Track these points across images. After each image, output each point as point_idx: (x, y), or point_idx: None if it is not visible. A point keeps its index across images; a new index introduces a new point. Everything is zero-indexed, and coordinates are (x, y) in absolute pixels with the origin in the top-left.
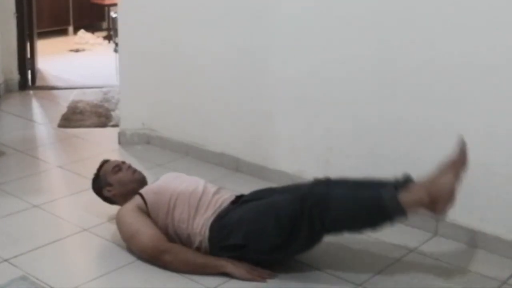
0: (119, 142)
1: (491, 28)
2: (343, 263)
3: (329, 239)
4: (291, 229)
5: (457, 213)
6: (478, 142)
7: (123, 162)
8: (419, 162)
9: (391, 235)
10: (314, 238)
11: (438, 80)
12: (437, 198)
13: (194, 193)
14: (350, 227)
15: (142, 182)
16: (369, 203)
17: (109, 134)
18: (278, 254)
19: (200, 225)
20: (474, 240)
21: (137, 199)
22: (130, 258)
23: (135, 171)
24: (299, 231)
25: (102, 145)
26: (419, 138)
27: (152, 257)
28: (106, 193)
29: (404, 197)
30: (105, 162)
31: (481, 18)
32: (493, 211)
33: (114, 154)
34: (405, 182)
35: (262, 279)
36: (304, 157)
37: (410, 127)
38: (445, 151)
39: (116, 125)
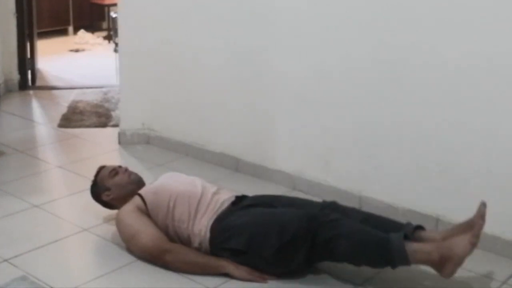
0: (119, 142)
1: (492, 28)
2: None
3: None
4: (293, 246)
5: (457, 213)
6: (478, 142)
7: (119, 166)
8: (420, 162)
9: None
10: (311, 260)
11: (438, 80)
12: (447, 260)
13: (194, 193)
14: (351, 260)
15: (140, 183)
16: (376, 244)
17: (109, 134)
18: (276, 267)
19: (200, 226)
20: None
21: (136, 200)
22: (130, 258)
23: (131, 173)
24: (300, 249)
25: (102, 145)
26: (420, 138)
27: (153, 257)
28: (105, 198)
29: (413, 248)
30: (101, 168)
31: (482, 18)
32: (492, 211)
33: (114, 154)
34: (416, 228)
35: (263, 279)
36: (304, 157)
37: (411, 127)
38: (445, 150)
39: (116, 125)
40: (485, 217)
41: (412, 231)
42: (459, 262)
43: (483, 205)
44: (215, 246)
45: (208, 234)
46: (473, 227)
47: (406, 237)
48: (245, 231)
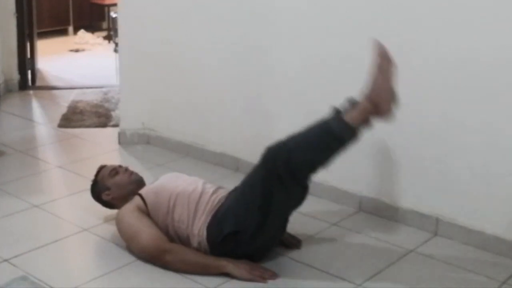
0: (119, 142)
1: (493, 27)
2: (343, 263)
3: (329, 239)
4: (268, 191)
5: (457, 213)
6: (478, 142)
7: (120, 166)
8: (420, 162)
9: (391, 235)
10: (292, 192)
11: (439, 78)
12: (378, 100)
13: (194, 193)
14: (314, 164)
15: (140, 183)
16: (320, 135)
17: (109, 134)
18: (270, 221)
19: (198, 226)
20: (474, 240)
21: (136, 200)
22: (130, 258)
23: (132, 173)
24: (275, 191)
25: (102, 145)
26: (420, 138)
27: (153, 257)
28: (105, 197)
29: (349, 115)
30: (102, 167)
31: (484, 15)
32: (493, 211)
33: (114, 154)
34: (349, 104)
35: (263, 279)
36: None
37: (410, 127)
38: (445, 150)
39: (116, 125)
40: (385, 50)
41: (347, 107)
42: (388, 95)
43: (377, 44)
44: (213, 244)
45: (205, 233)
46: (380, 63)
47: (340, 112)
48: (229, 213)
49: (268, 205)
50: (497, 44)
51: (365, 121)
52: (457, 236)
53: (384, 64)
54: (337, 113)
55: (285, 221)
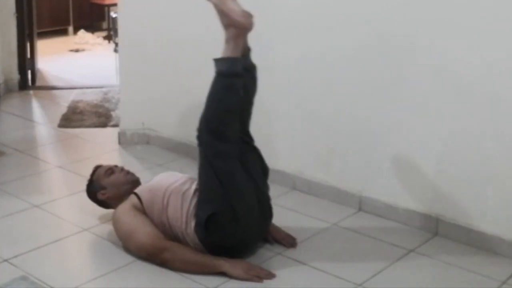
0: (119, 142)
1: (492, 26)
2: (343, 263)
3: (328, 239)
4: (216, 163)
5: (457, 213)
6: (478, 142)
7: (116, 166)
8: (420, 162)
9: (391, 235)
10: (235, 150)
11: (439, 82)
12: (232, 19)
13: (187, 191)
14: (230, 111)
15: (136, 183)
16: (216, 85)
17: (109, 134)
18: (243, 195)
19: (192, 227)
20: (474, 240)
21: (132, 199)
22: (129, 258)
23: (128, 173)
24: (221, 159)
25: (102, 145)
26: (420, 138)
27: (151, 255)
28: (100, 196)
29: (225, 52)
30: (98, 167)
31: (483, 17)
32: (493, 211)
33: (114, 154)
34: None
35: (259, 279)
36: (304, 157)
37: (410, 127)
38: (445, 150)
39: (116, 125)
40: None
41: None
42: (234, 12)
43: None
44: (203, 239)
45: (194, 232)
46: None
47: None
48: (199, 202)
49: (225, 175)
50: (497, 43)
51: (242, 46)
52: (457, 236)
53: None
54: (218, 59)
55: (267, 205)
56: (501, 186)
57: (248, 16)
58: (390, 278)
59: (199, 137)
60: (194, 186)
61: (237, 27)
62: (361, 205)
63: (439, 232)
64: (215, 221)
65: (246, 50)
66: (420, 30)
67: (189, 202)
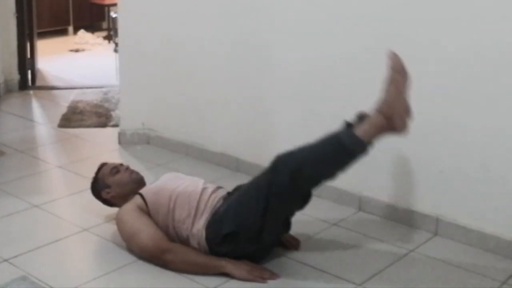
0: (119, 142)
1: (494, 25)
2: (343, 263)
3: (328, 239)
4: (271, 197)
5: (457, 213)
6: (478, 142)
7: (121, 164)
8: (420, 162)
9: (391, 235)
10: (296, 200)
11: (440, 78)
12: (391, 114)
13: (194, 193)
14: (322, 176)
15: (141, 182)
16: (330, 149)
17: (109, 134)
18: (270, 229)
19: (198, 226)
20: (474, 240)
21: (137, 199)
22: (130, 258)
23: (132, 172)
24: (279, 198)
25: (102, 145)
26: (419, 138)
27: (153, 257)
28: (105, 195)
29: (360, 129)
30: (103, 165)
31: (482, 16)
32: (493, 211)
33: (114, 154)
34: (361, 118)
35: (263, 279)
36: None
37: (411, 125)
38: (445, 150)
39: (116, 125)
40: (399, 61)
41: (357, 120)
42: (402, 109)
43: (392, 54)
44: (212, 244)
45: (204, 233)
46: (393, 75)
47: (351, 126)
48: (229, 213)
49: (270, 210)
50: (499, 44)
51: (377, 136)
52: (457, 236)
53: (398, 77)
54: (348, 126)
55: (287, 223)
56: (501, 186)
57: (407, 121)
58: (390, 278)
59: (280, 168)
60: (203, 186)
61: (391, 124)
62: (361, 205)
63: (439, 232)
64: (233, 239)
65: (373, 140)
66: (420, 30)
67: (197, 201)
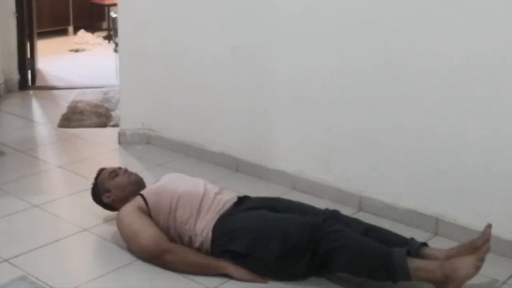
0: (119, 142)
1: (491, 28)
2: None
3: None
4: (294, 253)
5: (457, 213)
6: (479, 142)
7: (119, 168)
8: (420, 162)
9: None
10: (310, 268)
11: (439, 81)
12: (450, 280)
13: (196, 194)
14: (351, 271)
15: (140, 184)
16: (378, 257)
17: (109, 134)
18: (276, 272)
19: (202, 226)
20: None
21: (138, 200)
22: (130, 258)
23: (131, 174)
24: (301, 257)
25: (102, 145)
26: (420, 138)
27: (153, 257)
28: (105, 199)
29: (416, 264)
30: (101, 170)
31: (481, 19)
32: (493, 211)
33: (114, 154)
34: (420, 245)
35: (263, 280)
36: (304, 157)
37: (410, 127)
38: (445, 150)
39: (116, 125)
40: (491, 239)
41: (417, 248)
42: (461, 283)
43: (488, 227)
44: (216, 247)
45: (210, 235)
46: (478, 249)
47: (409, 253)
48: (248, 234)
49: (286, 259)
50: (495, 45)
51: (423, 280)
52: (457, 236)
53: (482, 250)
54: (407, 251)
55: (289, 275)
56: (501, 186)
57: None
58: None
59: (320, 237)
60: (204, 187)
61: (444, 283)
62: (361, 205)
63: (439, 232)
64: (239, 258)
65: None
66: (419, 36)
67: (199, 202)
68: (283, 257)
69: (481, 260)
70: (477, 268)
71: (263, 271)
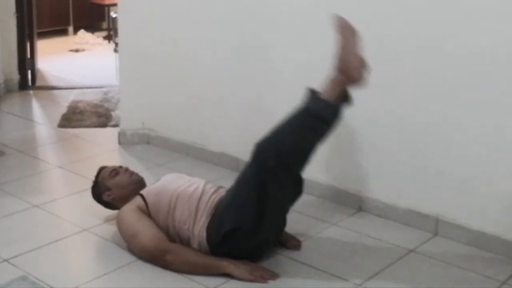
0: (119, 142)
1: (494, 25)
2: (343, 263)
3: (328, 239)
4: (262, 187)
5: (457, 213)
6: (478, 142)
7: (120, 166)
8: (420, 162)
9: (391, 235)
10: (287, 186)
11: (439, 77)
12: (347, 69)
13: (194, 193)
14: (303, 151)
15: (141, 183)
16: (302, 120)
17: (109, 134)
18: (267, 223)
19: (198, 227)
20: (474, 240)
21: (138, 200)
22: (130, 258)
23: (132, 173)
24: (270, 186)
25: (102, 145)
26: (420, 138)
27: (153, 257)
28: (105, 198)
29: (324, 93)
30: (102, 168)
31: (485, 14)
32: (493, 211)
33: (114, 154)
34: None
35: (264, 280)
36: None
37: (410, 127)
38: (445, 150)
39: (116, 125)
40: (342, 19)
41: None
42: (355, 61)
43: (336, 17)
44: (213, 244)
45: (204, 234)
46: (341, 30)
47: (314, 93)
48: (226, 211)
49: (264, 200)
50: (499, 43)
51: (341, 94)
52: (457, 236)
53: (346, 33)
54: (313, 93)
55: (283, 218)
56: (501, 186)
57: (362, 71)
58: (390, 278)
59: (261, 155)
60: (204, 187)
61: (349, 78)
62: (361, 205)
63: (439, 232)
64: (234, 235)
65: (345, 97)
66: (420, 31)
67: (197, 201)
68: (259, 198)
69: (347, 31)
70: (349, 39)
71: (262, 230)
